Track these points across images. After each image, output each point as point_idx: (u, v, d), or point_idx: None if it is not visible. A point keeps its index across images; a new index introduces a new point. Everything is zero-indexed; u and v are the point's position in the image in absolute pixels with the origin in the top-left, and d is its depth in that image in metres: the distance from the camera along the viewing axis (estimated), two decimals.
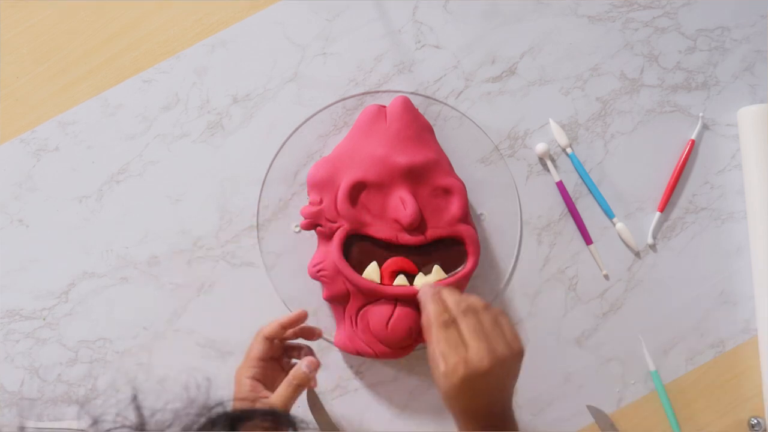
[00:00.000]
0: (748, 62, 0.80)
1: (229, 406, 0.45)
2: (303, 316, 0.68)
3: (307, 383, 0.64)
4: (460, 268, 0.71)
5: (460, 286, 0.72)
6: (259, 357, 0.66)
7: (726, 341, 0.78)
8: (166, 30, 0.77)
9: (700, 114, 0.79)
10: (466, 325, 0.60)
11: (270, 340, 0.66)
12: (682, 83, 0.79)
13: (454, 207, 0.71)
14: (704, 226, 0.79)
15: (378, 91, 0.77)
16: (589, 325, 0.77)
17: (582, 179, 0.78)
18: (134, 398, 0.45)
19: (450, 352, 0.58)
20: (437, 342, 0.60)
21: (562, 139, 0.77)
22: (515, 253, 0.77)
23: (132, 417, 0.44)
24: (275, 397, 0.63)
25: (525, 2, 0.78)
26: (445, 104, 0.77)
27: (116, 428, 0.43)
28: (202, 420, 0.43)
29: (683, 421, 0.77)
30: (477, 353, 0.58)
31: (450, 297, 0.62)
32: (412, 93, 0.77)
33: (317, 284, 0.74)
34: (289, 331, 0.68)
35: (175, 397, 0.45)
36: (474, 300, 0.61)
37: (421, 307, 0.63)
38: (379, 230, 0.70)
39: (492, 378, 0.58)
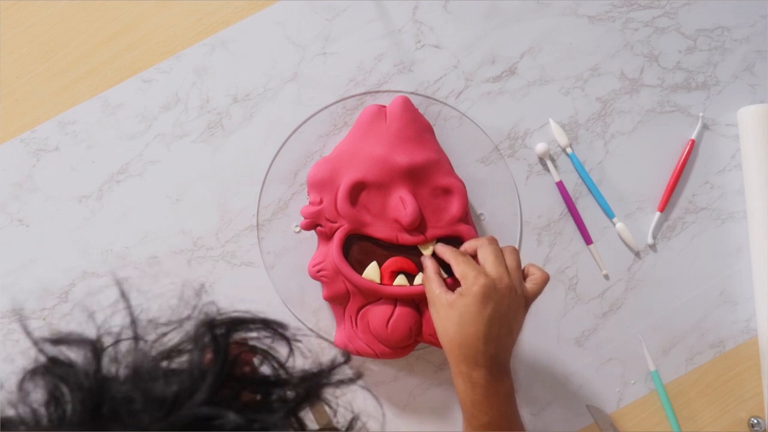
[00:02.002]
0: (748, 62, 0.80)
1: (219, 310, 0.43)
2: None
3: None
4: None
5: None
6: None
7: (726, 341, 0.78)
8: (166, 30, 0.76)
9: (700, 114, 0.79)
10: (490, 250, 0.62)
11: None
12: (682, 83, 0.79)
13: (454, 207, 0.71)
14: (704, 226, 0.79)
15: (378, 91, 0.77)
16: (589, 325, 0.77)
17: (582, 179, 0.78)
18: (123, 295, 0.43)
19: (470, 270, 0.60)
20: (456, 264, 0.62)
21: (562, 139, 0.77)
22: None
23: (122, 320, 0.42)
24: None
25: (525, 2, 0.78)
26: (445, 104, 0.77)
27: (120, 340, 0.41)
28: (196, 320, 0.42)
29: (683, 421, 0.77)
30: (497, 270, 0.60)
31: (471, 241, 0.65)
32: (412, 93, 0.77)
33: (317, 284, 0.74)
34: None
35: (168, 298, 0.43)
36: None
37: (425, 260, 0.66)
38: (379, 230, 0.70)
39: (507, 302, 0.59)
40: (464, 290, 0.60)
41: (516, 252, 0.64)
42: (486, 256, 0.62)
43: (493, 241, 0.64)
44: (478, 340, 0.59)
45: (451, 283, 0.70)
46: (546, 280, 0.64)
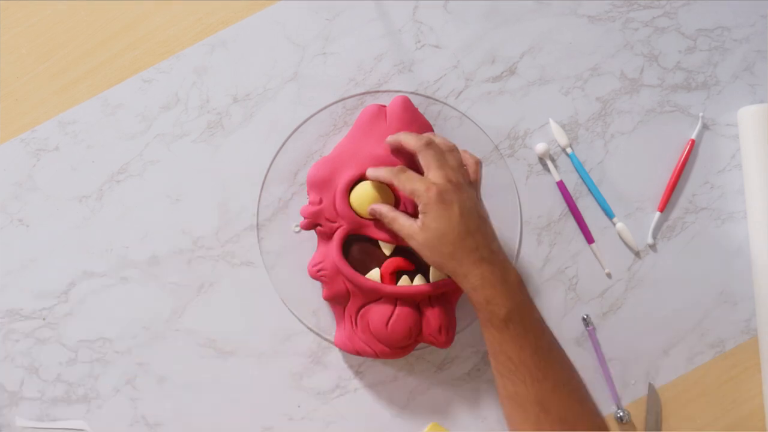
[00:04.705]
0: (748, 62, 0.80)
1: None
2: None
3: None
4: None
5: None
6: None
7: (726, 341, 0.78)
8: (166, 30, 0.77)
9: (700, 114, 0.79)
10: (431, 156, 0.63)
11: None
12: (682, 83, 0.79)
13: None
14: (704, 226, 0.79)
15: (378, 91, 0.77)
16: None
17: (582, 179, 0.78)
18: None
19: (418, 185, 0.62)
20: (400, 183, 0.63)
21: (562, 139, 0.77)
22: (515, 253, 0.77)
23: None
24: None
25: (525, 2, 0.78)
26: (445, 104, 0.77)
27: None
28: None
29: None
30: (443, 175, 0.62)
31: (408, 137, 0.66)
32: (412, 93, 0.77)
33: (317, 284, 0.74)
34: None
35: None
36: (436, 139, 0.65)
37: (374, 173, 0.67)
38: (379, 230, 0.70)
39: (465, 196, 0.62)
40: (423, 206, 0.62)
41: (454, 149, 0.65)
42: (428, 162, 0.63)
43: (430, 143, 0.64)
44: (462, 238, 0.61)
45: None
46: (478, 162, 0.67)
